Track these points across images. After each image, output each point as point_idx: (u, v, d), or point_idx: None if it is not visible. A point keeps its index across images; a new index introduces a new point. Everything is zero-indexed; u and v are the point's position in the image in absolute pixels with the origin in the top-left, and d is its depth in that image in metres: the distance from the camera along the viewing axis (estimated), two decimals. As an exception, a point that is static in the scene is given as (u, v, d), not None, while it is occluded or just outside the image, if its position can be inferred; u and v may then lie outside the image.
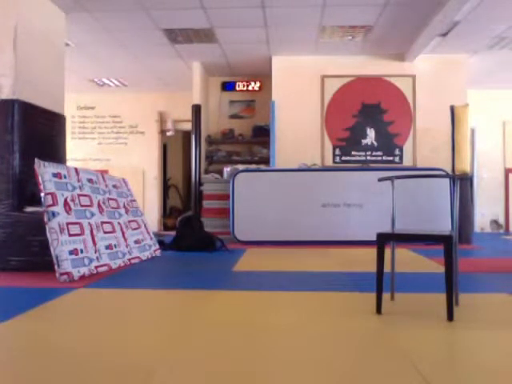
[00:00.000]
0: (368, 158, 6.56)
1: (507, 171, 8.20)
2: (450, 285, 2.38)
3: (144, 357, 1.84)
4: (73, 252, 3.51)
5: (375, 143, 6.61)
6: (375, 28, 5.58)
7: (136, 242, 4.54)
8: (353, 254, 4.90)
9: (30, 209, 3.96)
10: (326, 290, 3.04)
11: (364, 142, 6.61)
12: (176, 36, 5.84)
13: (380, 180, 2.85)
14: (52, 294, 2.95)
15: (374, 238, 2.58)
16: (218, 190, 6.51)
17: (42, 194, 3.56)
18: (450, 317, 2.36)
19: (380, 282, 2.50)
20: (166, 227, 8.58)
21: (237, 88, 7.73)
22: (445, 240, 2.42)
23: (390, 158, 6.62)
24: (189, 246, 5.28)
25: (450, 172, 5.94)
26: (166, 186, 9.26)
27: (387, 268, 3.57)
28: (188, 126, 7.48)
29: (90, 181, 4.22)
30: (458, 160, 5.96)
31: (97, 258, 3.76)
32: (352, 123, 6.62)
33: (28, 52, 4.25)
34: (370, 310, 2.51)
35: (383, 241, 2.53)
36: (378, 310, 2.47)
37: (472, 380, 1.65)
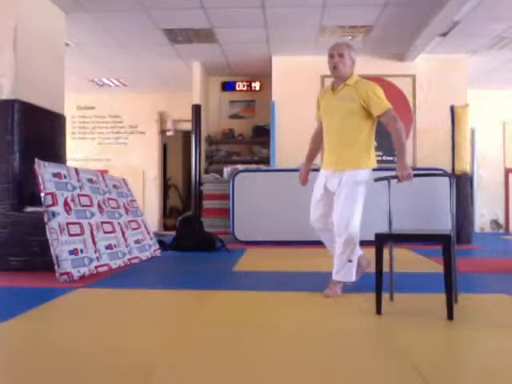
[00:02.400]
0: (368, 158, 6.56)
1: (507, 171, 8.20)
2: (450, 284, 2.38)
3: (144, 357, 1.84)
4: (73, 252, 3.51)
5: (375, 143, 6.59)
6: (375, 28, 5.58)
7: (136, 241, 4.54)
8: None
9: (29, 209, 3.96)
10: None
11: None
12: (176, 36, 5.84)
13: (376, 180, 2.85)
14: (52, 294, 2.95)
15: (373, 237, 2.59)
16: (218, 190, 6.50)
17: (42, 194, 3.56)
18: (450, 316, 2.37)
19: (379, 283, 2.50)
20: (165, 227, 8.57)
21: (237, 88, 7.71)
22: (443, 239, 2.42)
23: (390, 158, 6.61)
24: (189, 246, 5.28)
25: (449, 172, 5.93)
26: (166, 186, 9.25)
27: (387, 268, 3.56)
28: (188, 126, 7.47)
29: (90, 181, 4.22)
30: (457, 160, 5.96)
31: (97, 258, 3.76)
32: (352, 123, 6.60)
33: (28, 52, 4.25)
34: (369, 310, 2.51)
35: (381, 241, 2.53)
36: (378, 311, 2.47)
37: (472, 380, 1.65)
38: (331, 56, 2.89)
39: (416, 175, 2.73)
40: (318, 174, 3.05)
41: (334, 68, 2.88)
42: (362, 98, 2.84)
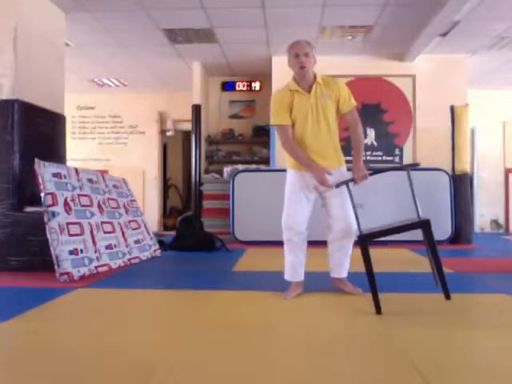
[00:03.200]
0: (368, 158, 6.55)
1: (507, 171, 8.20)
2: (439, 263, 2.51)
3: (144, 357, 1.84)
4: (73, 252, 3.51)
5: (375, 143, 6.60)
6: (375, 28, 5.58)
7: (136, 241, 4.54)
8: (352, 254, 4.89)
9: (29, 209, 3.96)
10: (325, 290, 3.04)
11: (364, 142, 6.59)
12: (176, 36, 5.84)
13: (337, 186, 2.75)
14: (52, 294, 2.95)
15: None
16: (217, 190, 6.50)
17: (42, 194, 3.56)
18: (447, 295, 2.44)
19: (372, 283, 2.50)
20: (165, 227, 8.57)
21: (237, 88, 7.71)
22: (423, 225, 2.51)
23: (390, 158, 6.62)
24: (189, 246, 5.28)
25: (449, 172, 5.94)
26: (166, 186, 9.25)
27: (389, 268, 3.57)
28: (188, 126, 7.47)
29: (90, 181, 4.22)
30: (457, 160, 5.95)
31: (97, 258, 3.76)
32: (352, 123, 6.60)
33: (28, 52, 4.25)
34: (369, 310, 2.51)
35: (366, 241, 2.54)
36: (378, 311, 2.47)
37: (472, 380, 1.65)
38: (297, 56, 2.84)
39: (372, 174, 2.80)
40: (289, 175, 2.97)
41: (301, 68, 2.83)
42: (336, 95, 2.84)
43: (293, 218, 2.87)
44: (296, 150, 2.86)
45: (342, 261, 2.95)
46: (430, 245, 2.51)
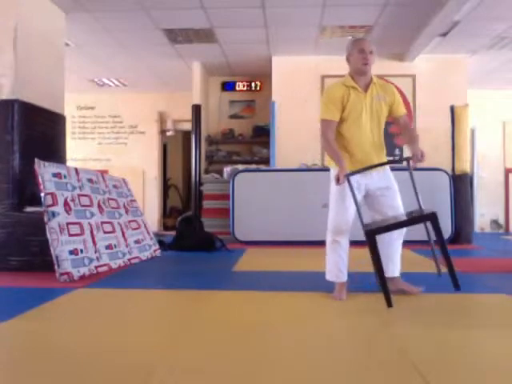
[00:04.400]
0: (368, 157, 6.55)
1: (507, 171, 8.20)
2: (447, 254, 2.53)
3: (144, 357, 1.84)
4: (73, 252, 3.51)
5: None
6: (375, 28, 5.58)
7: (136, 241, 4.54)
8: (353, 254, 4.89)
9: (29, 209, 3.96)
10: (326, 291, 3.03)
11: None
12: (176, 36, 5.84)
13: (351, 175, 2.70)
14: (52, 294, 2.95)
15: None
16: (217, 190, 6.50)
17: (42, 194, 3.56)
18: (457, 286, 2.52)
19: (383, 278, 2.51)
20: (166, 227, 8.57)
21: (237, 88, 7.71)
22: (431, 217, 2.53)
23: (390, 158, 6.61)
24: (189, 246, 5.28)
25: (449, 172, 5.94)
26: (166, 186, 9.25)
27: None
28: (188, 126, 7.47)
29: (90, 181, 4.22)
30: (457, 160, 5.96)
31: (97, 258, 3.76)
32: (352, 123, 6.60)
33: (28, 52, 4.25)
34: (369, 309, 2.51)
35: (373, 235, 2.53)
36: (389, 304, 2.50)
37: (472, 380, 1.65)
38: (362, 51, 2.80)
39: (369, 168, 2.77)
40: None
41: (365, 64, 2.80)
42: (391, 99, 2.85)
43: (344, 218, 2.75)
44: (331, 143, 2.76)
45: (397, 259, 2.91)
46: (438, 236, 2.53)
